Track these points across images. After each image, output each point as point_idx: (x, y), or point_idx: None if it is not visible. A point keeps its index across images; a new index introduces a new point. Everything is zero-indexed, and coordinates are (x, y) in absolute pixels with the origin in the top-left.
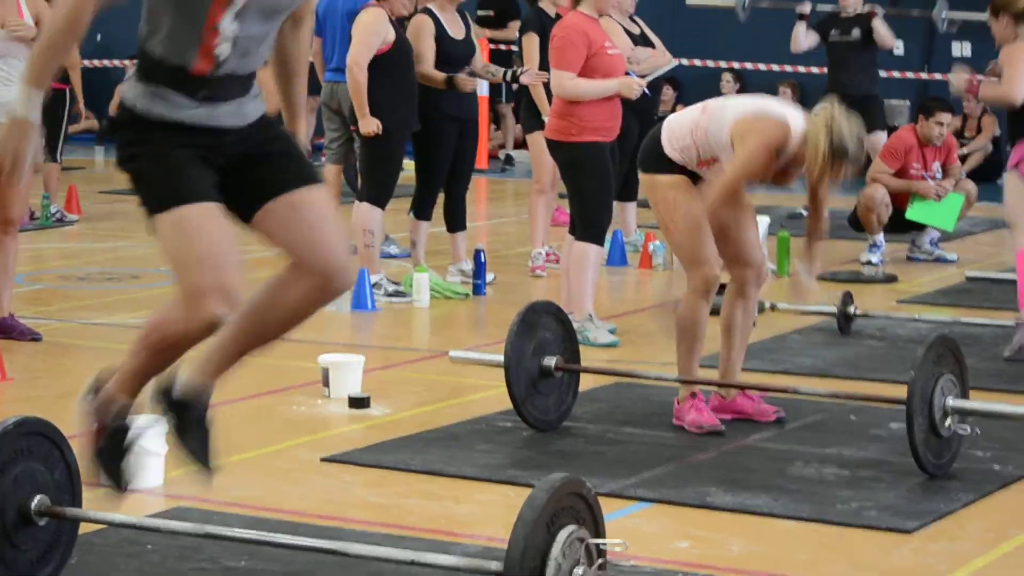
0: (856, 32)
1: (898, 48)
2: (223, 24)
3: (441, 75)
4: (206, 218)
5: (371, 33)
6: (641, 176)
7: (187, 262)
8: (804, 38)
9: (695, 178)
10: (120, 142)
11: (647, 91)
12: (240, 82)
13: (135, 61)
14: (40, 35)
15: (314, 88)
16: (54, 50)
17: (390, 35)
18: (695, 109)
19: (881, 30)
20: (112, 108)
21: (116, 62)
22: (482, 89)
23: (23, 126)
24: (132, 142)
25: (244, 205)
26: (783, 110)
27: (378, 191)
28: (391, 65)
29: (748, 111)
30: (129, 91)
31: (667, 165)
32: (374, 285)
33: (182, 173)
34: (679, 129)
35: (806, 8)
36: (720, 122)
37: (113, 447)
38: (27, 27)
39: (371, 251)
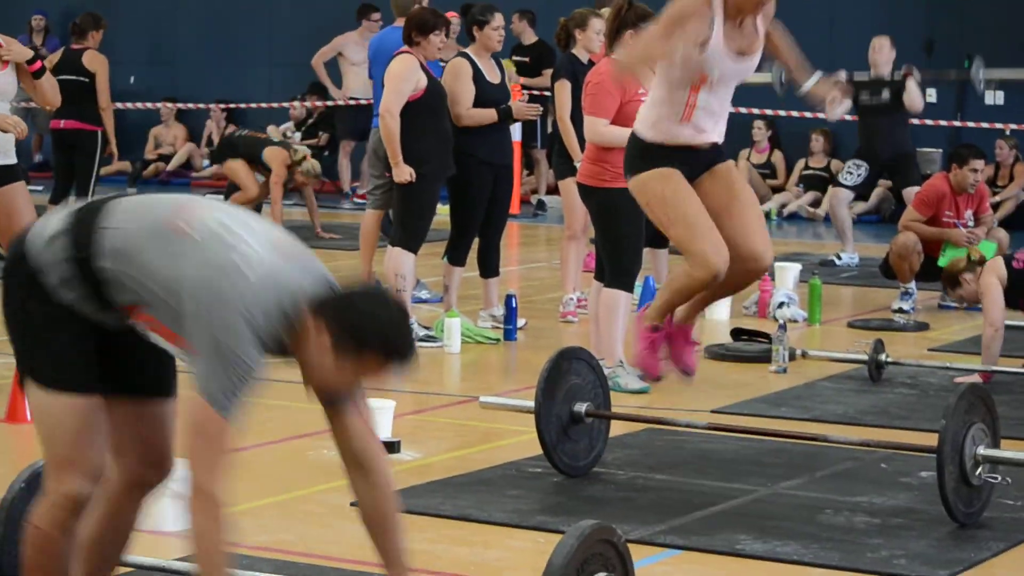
0: (886, 94)
1: (930, 95)
2: None
3: (491, 111)
4: None
5: (402, 80)
6: (629, 184)
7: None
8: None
9: (683, 170)
10: None
11: None
12: None
13: (166, 103)
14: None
15: (353, 132)
16: None
17: (422, 81)
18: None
19: (913, 92)
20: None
21: (148, 104)
22: (515, 134)
23: None
24: None
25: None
26: None
27: (410, 237)
28: (424, 111)
29: None
30: None
31: (648, 157)
32: (424, 337)
33: None
34: (642, 109)
35: (842, 75)
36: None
37: None
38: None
39: (402, 295)
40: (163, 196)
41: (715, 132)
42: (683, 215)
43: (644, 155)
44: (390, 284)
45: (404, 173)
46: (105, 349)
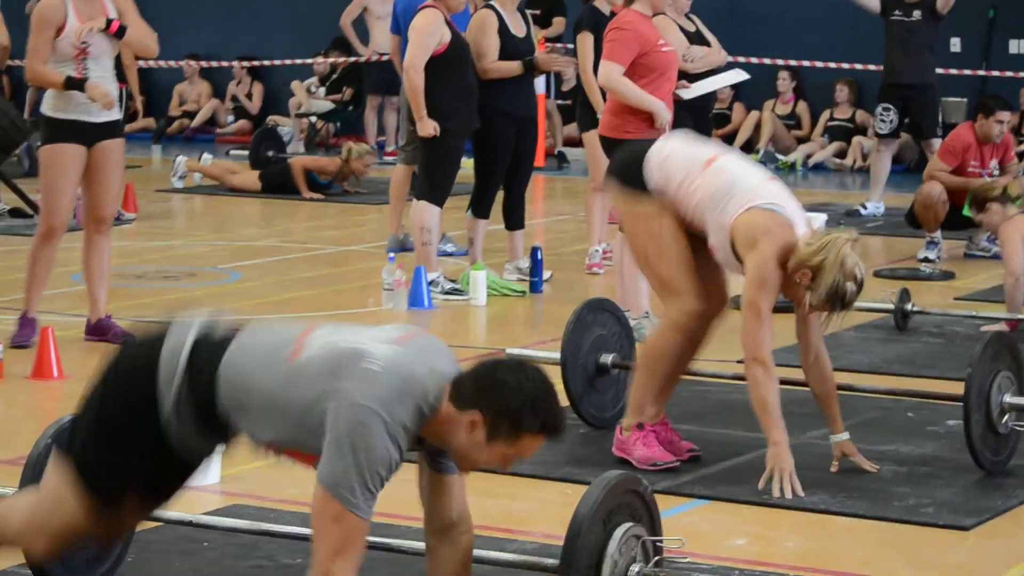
0: (917, 14)
1: (955, 45)
2: None
3: (515, 63)
4: None
5: (427, 35)
6: (619, 191)
7: None
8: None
9: None
10: None
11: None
12: None
13: (190, 60)
14: None
15: (380, 87)
16: None
17: (446, 36)
18: (698, 162)
19: None
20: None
21: (172, 63)
22: (539, 87)
23: None
24: None
25: None
26: (794, 215)
27: (435, 190)
28: (447, 66)
29: (748, 214)
30: None
31: (643, 187)
32: (431, 283)
33: None
34: (675, 170)
35: None
36: (724, 207)
37: None
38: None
39: (428, 249)
40: (281, 330)
41: None
42: (670, 255)
43: (640, 183)
44: (416, 237)
45: (428, 127)
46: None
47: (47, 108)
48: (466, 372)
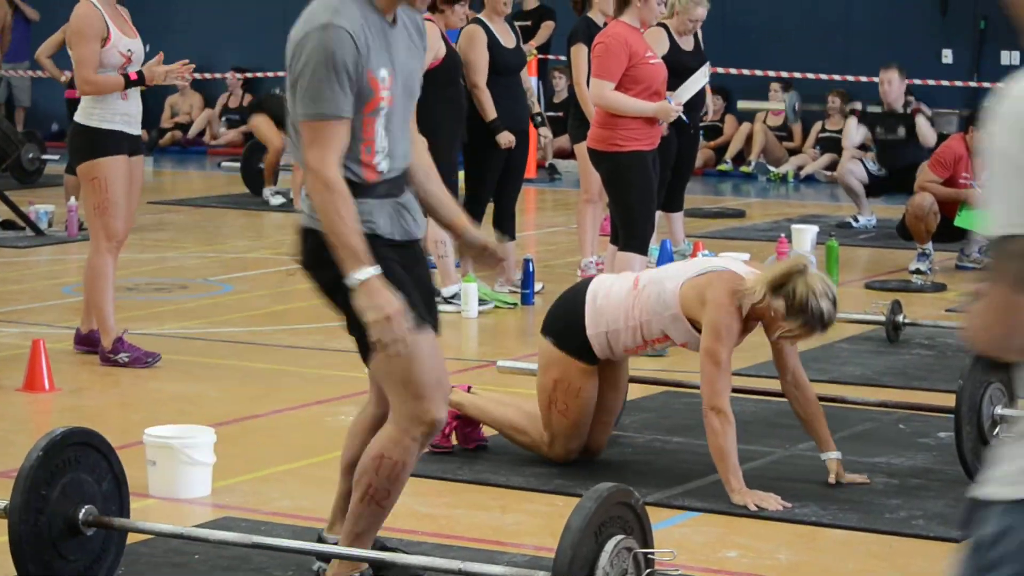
0: (901, 131)
1: (946, 56)
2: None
3: (493, 112)
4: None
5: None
6: (547, 346)
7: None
8: (856, 132)
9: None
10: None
11: (684, 117)
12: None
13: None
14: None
15: None
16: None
17: (441, 50)
18: (625, 286)
19: (924, 129)
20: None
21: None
22: None
23: None
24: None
25: None
26: (727, 263)
27: None
28: (440, 80)
29: (690, 279)
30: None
31: (584, 348)
32: (453, 297)
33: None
34: (610, 310)
35: (857, 106)
36: (661, 296)
37: None
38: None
39: (445, 261)
40: None
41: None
42: (581, 415)
43: (576, 341)
44: (432, 251)
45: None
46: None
47: (90, 119)
48: None
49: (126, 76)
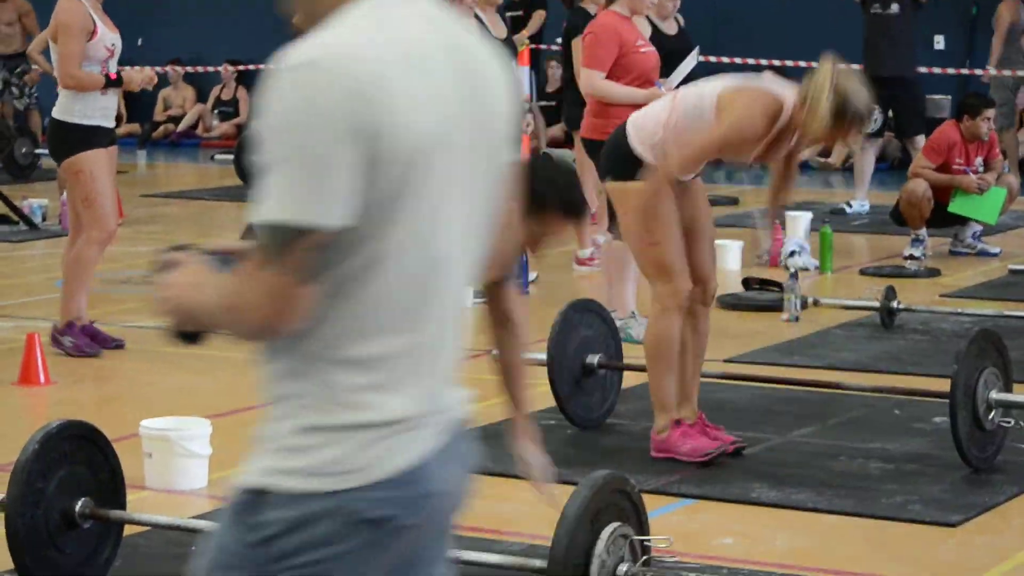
0: (895, 7)
1: (938, 42)
2: None
3: None
4: None
5: None
6: (608, 186)
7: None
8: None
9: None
10: None
11: None
12: None
13: (174, 66)
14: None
15: None
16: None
17: None
18: (663, 100)
19: None
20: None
21: (157, 68)
22: (524, 87)
23: None
24: None
25: None
26: (769, 81)
27: None
28: None
29: (732, 83)
30: None
31: (637, 168)
32: None
33: None
34: (648, 123)
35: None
36: (700, 100)
37: None
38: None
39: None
40: None
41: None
42: (668, 235)
43: (632, 165)
44: None
45: None
46: None
47: (69, 115)
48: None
49: (107, 76)
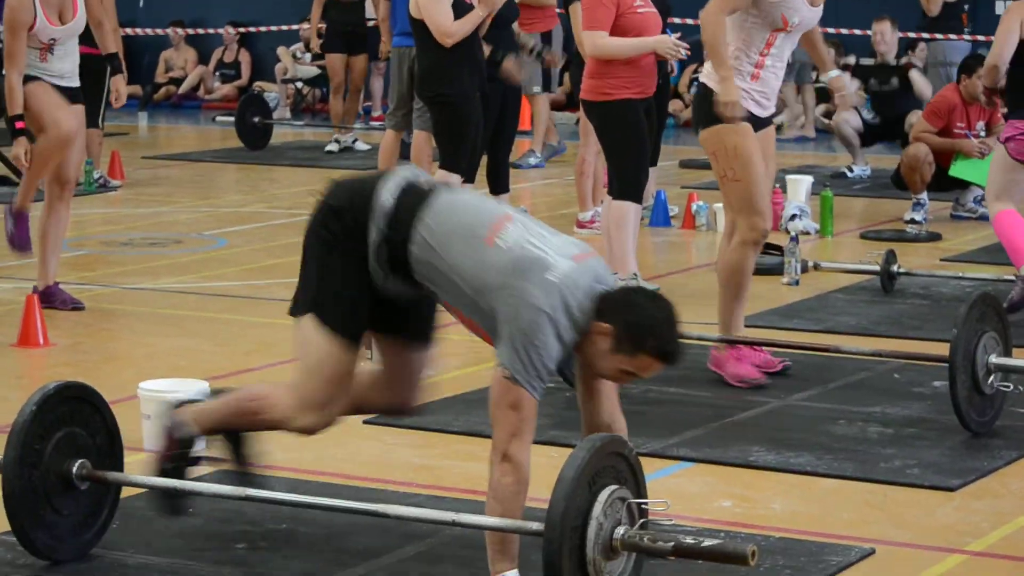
0: (894, 81)
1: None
2: None
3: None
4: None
5: (439, 1)
6: (701, 134)
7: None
8: (848, 87)
9: (754, 125)
10: None
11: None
12: None
13: (176, 28)
14: None
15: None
16: None
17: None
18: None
19: (918, 82)
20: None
21: (158, 30)
22: None
23: None
24: None
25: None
26: None
27: (452, 158)
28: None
29: None
30: None
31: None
32: None
33: None
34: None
35: (850, 60)
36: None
37: (174, 471)
38: None
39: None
40: (481, 206)
41: (771, 106)
42: (751, 174)
43: (713, 107)
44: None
45: None
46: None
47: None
48: (612, 290)
49: (16, 126)
